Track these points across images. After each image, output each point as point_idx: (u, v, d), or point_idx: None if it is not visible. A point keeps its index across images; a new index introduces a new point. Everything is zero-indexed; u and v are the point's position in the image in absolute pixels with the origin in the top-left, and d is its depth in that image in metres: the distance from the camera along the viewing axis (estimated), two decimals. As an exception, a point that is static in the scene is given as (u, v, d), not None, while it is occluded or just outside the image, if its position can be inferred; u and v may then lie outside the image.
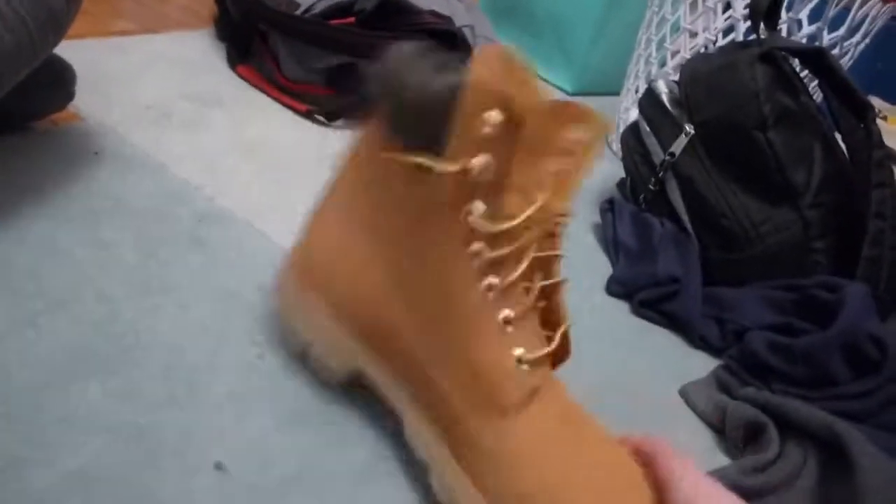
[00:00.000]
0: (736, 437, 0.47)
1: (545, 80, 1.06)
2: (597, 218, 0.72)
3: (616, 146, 0.87)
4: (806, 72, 0.72)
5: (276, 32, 0.73)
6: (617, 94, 0.94)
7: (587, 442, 0.35)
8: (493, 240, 0.33)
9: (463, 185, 0.32)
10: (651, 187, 0.66)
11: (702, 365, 0.55)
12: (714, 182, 0.62)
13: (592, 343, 0.53)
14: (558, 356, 0.38)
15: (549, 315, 0.37)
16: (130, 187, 0.52)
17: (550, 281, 0.38)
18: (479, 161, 0.32)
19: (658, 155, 0.66)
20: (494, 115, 0.31)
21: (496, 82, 0.31)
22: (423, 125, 0.33)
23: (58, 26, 0.41)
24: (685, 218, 0.64)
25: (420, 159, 0.32)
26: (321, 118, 0.71)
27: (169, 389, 0.38)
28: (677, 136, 0.64)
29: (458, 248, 0.33)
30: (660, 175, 0.65)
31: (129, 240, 0.47)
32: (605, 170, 0.84)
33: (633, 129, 0.71)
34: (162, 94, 0.67)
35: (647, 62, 0.87)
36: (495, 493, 0.33)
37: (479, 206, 0.33)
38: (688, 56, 0.81)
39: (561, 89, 1.05)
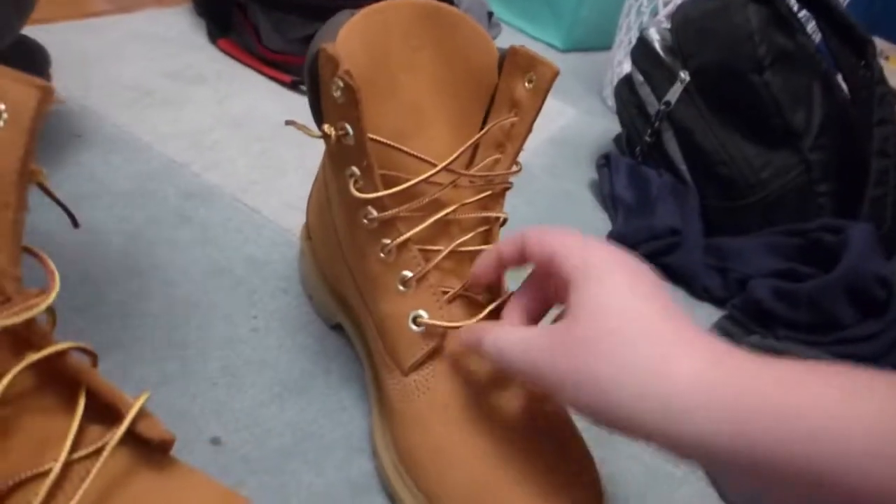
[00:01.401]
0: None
1: (535, 38, 1.04)
2: (594, 175, 0.71)
3: (611, 101, 0.86)
4: (803, 11, 0.70)
5: (254, 3, 0.71)
6: (609, 48, 0.92)
7: (491, 408, 0.32)
8: (379, 202, 0.32)
9: (339, 150, 0.33)
10: (647, 139, 0.65)
11: (706, 316, 0.54)
12: (711, 129, 0.60)
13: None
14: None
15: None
16: (114, 169, 0.51)
17: (486, 246, 0.36)
18: (329, 128, 0.32)
19: (653, 105, 0.64)
20: (337, 82, 0.30)
21: (338, 49, 0.31)
22: (309, 91, 0.35)
23: (22, 6, 0.40)
24: (683, 168, 0.63)
25: (298, 124, 0.33)
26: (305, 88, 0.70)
27: (161, 368, 0.37)
28: (672, 85, 0.62)
29: (355, 210, 0.34)
30: (655, 126, 0.64)
31: (114, 221, 0.46)
32: (601, 126, 0.82)
33: (627, 80, 0.69)
34: (142, 73, 0.66)
35: (639, 12, 0.84)
36: (397, 446, 0.34)
37: (354, 171, 0.32)
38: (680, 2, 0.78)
39: (551, 46, 1.03)
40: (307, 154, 0.40)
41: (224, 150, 0.58)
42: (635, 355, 0.24)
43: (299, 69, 0.70)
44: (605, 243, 0.28)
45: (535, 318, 0.33)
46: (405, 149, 0.33)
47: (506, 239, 0.32)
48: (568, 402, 0.26)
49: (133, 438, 0.25)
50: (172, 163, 0.54)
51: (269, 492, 0.32)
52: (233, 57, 0.73)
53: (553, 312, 0.32)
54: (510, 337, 0.28)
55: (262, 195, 0.53)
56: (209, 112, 0.63)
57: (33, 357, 0.23)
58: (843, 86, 0.60)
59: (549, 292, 0.32)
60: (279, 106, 0.67)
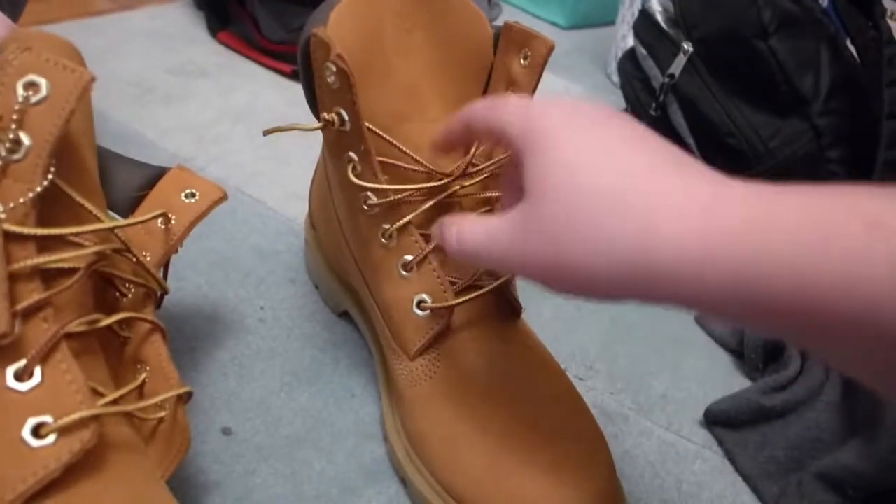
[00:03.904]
0: (755, 358, 0.45)
1: (537, 16, 1.03)
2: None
3: (616, 77, 0.84)
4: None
5: (252, -6, 0.70)
6: (613, 23, 0.91)
7: (499, 390, 0.32)
8: (376, 189, 0.32)
9: (336, 136, 0.33)
10: (652, 113, 0.64)
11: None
12: (717, 100, 0.59)
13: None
14: (509, 307, 0.36)
15: None
16: (119, 166, 0.52)
17: None
18: (330, 115, 0.32)
19: (657, 78, 0.63)
20: (330, 67, 0.30)
21: (329, 33, 0.30)
22: (303, 78, 0.35)
23: (14, 5, 0.40)
24: (690, 141, 0.62)
25: (283, 127, 0.32)
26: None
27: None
28: (675, 57, 0.61)
29: (354, 197, 0.34)
30: (660, 99, 0.63)
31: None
32: (607, 102, 0.81)
33: (630, 55, 0.68)
34: (144, 70, 0.66)
35: (642, -16, 0.83)
36: (407, 431, 0.34)
37: (351, 157, 0.32)
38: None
39: (555, 24, 1.01)
40: (310, 144, 0.40)
41: (227, 143, 0.58)
42: (611, 232, 0.20)
43: (300, 58, 0.70)
44: (559, 99, 0.24)
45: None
46: (397, 143, 0.33)
47: (453, 118, 0.29)
48: (552, 291, 0.23)
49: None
50: (176, 157, 0.54)
51: (281, 479, 0.33)
52: (233, 49, 0.73)
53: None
54: (472, 229, 0.25)
55: (266, 186, 0.53)
56: (212, 106, 0.63)
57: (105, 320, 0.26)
58: (852, 48, 0.59)
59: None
60: (281, 97, 0.67)
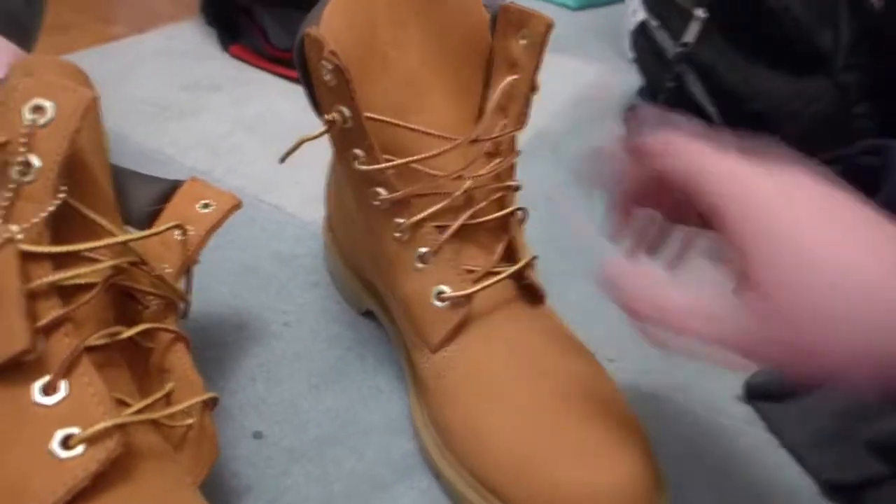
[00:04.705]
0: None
1: None
2: (621, 131, 0.69)
3: (630, 55, 0.83)
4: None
5: (257, 5, 0.71)
6: (622, 1, 0.89)
7: (525, 375, 0.32)
8: (388, 183, 0.32)
9: (340, 135, 0.33)
10: (669, 84, 0.62)
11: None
12: (735, 65, 0.57)
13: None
14: (531, 292, 0.35)
15: (512, 247, 0.35)
16: (140, 184, 0.52)
17: (501, 213, 0.35)
18: (333, 115, 0.31)
19: (671, 50, 0.62)
20: (325, 65, 0.30)
21: (322, 31, 0.30)
22: (302, 80, 0.34)
23: (22, 30, 0.40)
24: (710, 109, 0.60)
25: (294, 147, 0.33)
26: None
27: (200, 369, 0.38)
28: (688, 24, 0.59)
29: (364, 193, 0.33)
30: (675, 69, 0.61)
31: (143, 234, 0.47)
32: (624, 81, 0.80)
33: (642, 28, 0.67)
34: (160, 89, 0.67)
35: (650, -44, 0.81)
36: (435, 424, 0.33)
37: (357, 153, 0.32)
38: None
39: (564, 5, 1.00)
40: (324, 147, 0.40)
41: (243, 154, 0.58)
42: (864, 326, 0.21)
43: (309, 64, 0.70)
44: (770, 164, 0.24)
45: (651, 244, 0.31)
46: (403, 123, 0.32)
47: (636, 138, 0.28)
48: (792, 375, 0.24)
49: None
50: (194, 171, 0.55)
51: (312, 480, 0.33)
52: (245, 61, 0.74)
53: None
54: (680, 305, 0.25)
55: (283, 192, 0.53)
56: (226, 118, 0.63)
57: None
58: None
59: (673, 210, 0.29)
60: (293, 104, 0.67)
